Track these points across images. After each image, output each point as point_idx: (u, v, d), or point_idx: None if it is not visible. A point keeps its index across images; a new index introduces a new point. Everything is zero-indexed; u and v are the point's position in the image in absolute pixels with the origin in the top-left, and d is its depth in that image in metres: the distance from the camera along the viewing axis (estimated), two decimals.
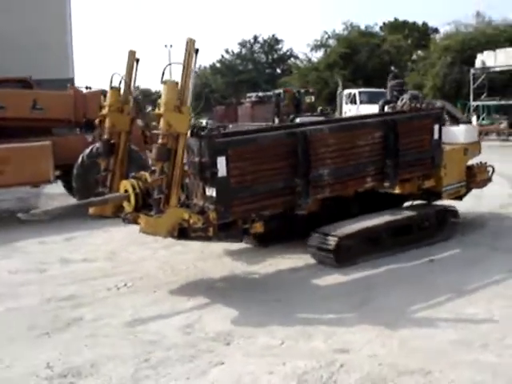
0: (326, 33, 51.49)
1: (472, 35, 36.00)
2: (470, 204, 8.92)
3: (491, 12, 38.32)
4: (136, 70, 7.11)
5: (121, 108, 6.77)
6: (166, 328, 4.89)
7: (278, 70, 61.65)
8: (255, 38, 60.01)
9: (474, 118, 27.94)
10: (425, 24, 66.82)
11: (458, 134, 8.46)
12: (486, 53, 29.66)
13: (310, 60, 51.58)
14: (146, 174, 5.85)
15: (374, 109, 25.92)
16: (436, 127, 7.69)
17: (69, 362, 4.27)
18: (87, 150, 9.81)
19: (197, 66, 6.02)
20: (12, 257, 7.59)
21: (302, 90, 20.73)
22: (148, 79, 76.89)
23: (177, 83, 5.50)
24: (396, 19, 63.03)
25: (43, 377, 4.06)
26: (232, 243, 6.93)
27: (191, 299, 5.60)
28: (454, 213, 7.90)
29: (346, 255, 6.47)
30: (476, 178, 8.42)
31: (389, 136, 7.12)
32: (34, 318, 5.24)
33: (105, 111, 6.80)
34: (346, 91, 29.88)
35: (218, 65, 60.70)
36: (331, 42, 52.09)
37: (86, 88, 11.20)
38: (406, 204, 8.15)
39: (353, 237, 6.56)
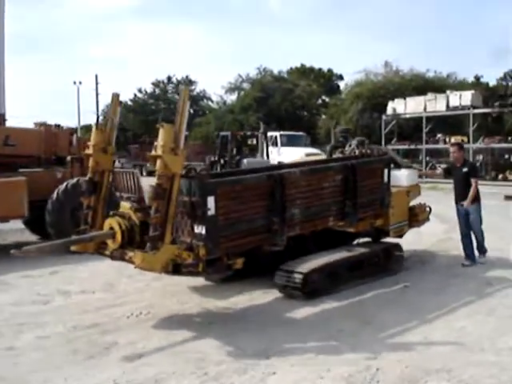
0: (240, 76, 53.41)
1: (381, 83, 38.90)
2: (412, 240, 9.86)
3: (398, 62, 41.77)
4: (120, 112, 7.42)
5: (105, 148, 6.74)
6: (204, 347, 5.36)
7: (191, 111, 62.53)
8: (169, 78, 60.93)
9: None
10: (330, 70, 70.96)
11: (401, 177, 9.11)
12: (396, 100, 32.23)
13: (224, 102, 53.06)
14: (130, 212, 6.15)
15: (293, 151, 27.63)
16: (386, 171, 8.35)
17: (133, 379, 4.65)
18: (62, 186, 10.02)
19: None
20: (5, 290, 7.66)
21: (248, 133, 21.64)
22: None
23: (172, 127, 5.72)
24: (303, 65, 66.49)
25: None
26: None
27: (212, 323, 6.10)
28: (398, 248, 8.61)
29: (311, 289, 6.92)
30: (418, 217, 9.18)
31: (349, 179, 7.67)
32: (70, 344, 5.51)
33: (89, 150, 6.77)
34: (269, 134, 31.15)
35: (130, 103, 60.73)
36: (245, 85, 54.04)
37: (56, 126, 11.38)
38: (356, 241, 8.80)
39: (316, 272, 7.01)
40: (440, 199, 14.26)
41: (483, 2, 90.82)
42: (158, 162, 5.62)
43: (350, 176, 7.70)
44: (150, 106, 60.86)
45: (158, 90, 60.86)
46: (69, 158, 10.79)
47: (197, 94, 62.39)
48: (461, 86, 39.81)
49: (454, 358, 5.03)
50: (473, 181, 8.82)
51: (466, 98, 28.34)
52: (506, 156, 31.02)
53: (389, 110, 32.75)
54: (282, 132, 30.91)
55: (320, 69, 69.04)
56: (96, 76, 61.36)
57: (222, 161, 17.22)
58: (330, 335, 5.68)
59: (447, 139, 29.23)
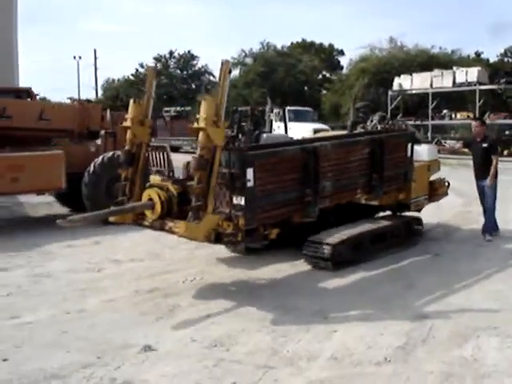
0: (244, 51, 53.24)
1: (386, 59, 38.99)
2: (433, 213, 10.24)
3: (403, 38, 42.11)
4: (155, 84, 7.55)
5: (142, 121, 6.79)
6: (263, 308, 5.76)
7: (193, 86, 62.47)
8: (171, 53, 60.52)
9: None
10: (331, 45, 70.74)
11: (422, 152, 9.27)
12: (403, 76, 32.40)
13: None
14: (168, 184, 6.34)
15: (301, 126, 27.85)
16: (409, 146, 8.57)
17: (207, 336, 5.05)
18: (99, 159, 10.35)
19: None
20: (54, 259, 8.03)
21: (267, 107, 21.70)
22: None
23: (215, 99, 5.85)
24: (304, 40, 66.25)
25: (199, 346, 4.83)
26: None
27: (262, 288, 6.52)
28: (419, 221, 8.92)
29: (340, 260, 7.19)
30: (437, 191, 9.45)
31: (376, 152, 7.92)
32: (136, 306, 5.90)
33: (127, 123, 6.80)
34: (276, 109, 31.36)
35: (132, 78, 60.54)
36: (248, 60, 53.94)
37: (87, 101, 11.66)
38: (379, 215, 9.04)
39: (344, 243, 7.25)
40: (450, 174, 14.56)
41: None
42: (201, 134, 5.74)
43: (377, 150, 7.96)
44: None
45: (159, 65, 60.49)
46: (102, 132, 11.08)
47: (199, 69, 62.22)
48: (466, 62, 39.90)
49: (497, 317, 5.46)
50: (493, 157, 8.96)
51: (472, 74, 28.57)
52: (507, 132, 31.39)
53: (395, 86, 32.95)
54: (289, 107, 31.07)
55: (321, 44, 68.93)
56: (95, 51, 61.22)
57: (240, 136, 17.44)
58: (378, 298, 6.09)
59: (453, 115, 29.52)
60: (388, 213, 9.09)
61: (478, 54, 52.50)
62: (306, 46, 62.12)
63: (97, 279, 6.99)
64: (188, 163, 6.80)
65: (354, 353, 4.67)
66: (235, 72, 54.54)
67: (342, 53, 71.73)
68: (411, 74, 32.22)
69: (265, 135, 16.87)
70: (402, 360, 4.54)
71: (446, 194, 9.84)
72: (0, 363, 4.50)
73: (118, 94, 56.18)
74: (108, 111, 11.84)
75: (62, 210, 12.02)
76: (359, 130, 10.78)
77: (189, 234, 5.86)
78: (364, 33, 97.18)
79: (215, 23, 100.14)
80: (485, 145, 9.07)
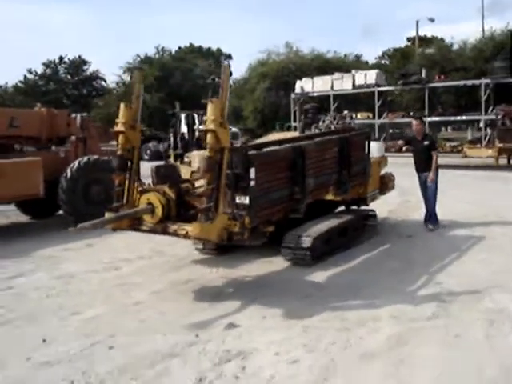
0: (138, 56, 52.94)
1: (284, 63, 40.75)
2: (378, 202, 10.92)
3: (299, 43, 44.33)
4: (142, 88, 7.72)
5: (133, 125, 6.66)
6: (304, 284, 6.53)
7: (85, 91, 61.10)
8: (61, 58, 58.86)
9: None
10: (219, 50, 72.08)
11: (372, 149, 9.71)
12: (304, 79, 34.14)
13: (124, 83, 52.38)
14: (164, 187, 6.39)
15: None
16: (367, 143, 9.30)
17: (275, 313, 5.72)
18: (75, 164, 10.52)
19: None
20: (64, 262, 8.21)
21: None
22: None
23: (221, 101, 5.91)
24: (192, 44, 66.95)
25: (275, 320, 5.50)
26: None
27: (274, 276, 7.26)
28: (373, 215, 9.62)
29: (318, 254, 7.55)
30: (387, 185, 10.22)
31: (344, 150, 8.47)
32: (186, 295, 6.41)
33: (119, 128, 6.61)
34: (184, 113, 31.87)
35: (20, 85, 58.10)
36: (144, 65, 53.58)
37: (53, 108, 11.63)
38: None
39: (320, 238, 7.56)
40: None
41: None
42: (210, 135, 5.80)
43: (345, 148, 8.53)
44: (40, 87, 58.47)
45: (49, 71, 58.58)
46: (73, 137, 11.19)
47: (90, 75, 60.90)
48: (351, 64, 42.72)
49: (495, 279, 6.62)
50: (434, 153, 9.69)
51: (370, 76, 30.85)
52: (397, 130, 34.31)
53: (297, 89, 34.57)
54: (200, 111, 31.62)
55: (209, 48, 70.07)
56: None
57: (178, 139, 17.76)
58: (391, 271, 7.06)
59: (353, 115, 31.63)
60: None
61: (357, 57, 56.13)
62: (194, 51, 62.88)
63: (123, 276, 7.34)
64: (157, 168, 7.18)
65: (406, 312, 5.57)
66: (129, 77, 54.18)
67: (230, 57, 73.73)
68: (312, 78, 33.99)
69: None
70: (446, 315, 5.50)
71: (393, 187, 10.77)
72: (109, 351, 4.89)
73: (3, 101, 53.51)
74: (78, 116, 11.90)
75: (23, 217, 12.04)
76: (313, 130, 11.68)
77: (203, 234, 5.94)
78: (248, 37, 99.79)
79: (103, 29, 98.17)
80: (426, 142, 9.81)
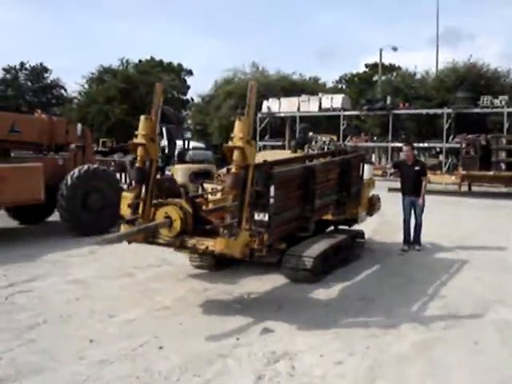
0: (103, 67, 52.65)
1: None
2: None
3: (265, 63, 45.24)
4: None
5: (153, 137, 6.63)
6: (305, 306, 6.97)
7: (44, 99, 60.21)
8: (22, 64, 57.89)
9: None
10: (180, 65, 72.36)
11: (364, 171, 10.00)
12: (271, 100, 34.95)
13: (87, 93, 51.98)
14: (181, 201, 6.43)
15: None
16: (361, 165, 9.71)
17: (309, 318, 6.14)
18: (75, 172, 10.71)
19: None
20: (72, 267, 8.45)
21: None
22: None
23: (248, 119, 5.95)
24: (152, 58, 66.98)
25: (306, 326, 5.91)
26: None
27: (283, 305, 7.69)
28: (362, 235, 9.91)
29: (317, 272, 7.76)
30: (375, 206, 10.43)
31: (345, 172, 8.78)
32: (211, 303, 6.76)
33: (140, 140, 6.57)
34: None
35: None
36: (106, 77, 53.36)
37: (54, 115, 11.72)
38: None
39: (319, 257, 7.78)
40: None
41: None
42: (237, 152, 5.83)
43: (346, 169, 8.85)
44: None
45: (9, 76, 57.46)
46: (73, 145, 11.34)
47: (50, 82, 60.07)
48: (318, 87, 43.92)
49: (496, 292, 7.27)
50: (424, 179, 10.21)
51: (336, 100, 31.89)
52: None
53: (264, 109, 35.32)
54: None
55: (170, 63, 70.28)
56: None
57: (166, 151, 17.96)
58: (394, 286, 7.59)
59: (319, 137, 32.50)
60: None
61: (316, 80, 57.45)
62: (154, 65, 62.89)
63: (141, 283, 7.60)
64: (160, 181, 7.09)
65: (421, 322, 6.08)
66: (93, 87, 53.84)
67: (190, 73, 74.14)
68: (279, 98, 34.76)
69: (191, 152, 17.68)
70: (459, 325, 6.03)
71: (379, 208, 10.88)
72: (160, 351, 5.18)
73: None
74: (79, 125, 12.03)
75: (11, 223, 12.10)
76: (307, 149, 12.19)
77: (228, 250, 5.88)
78: (207, 54, 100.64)
79: (63, 35, 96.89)
80: (417, 168, 10.29)
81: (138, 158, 6.69)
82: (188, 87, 70.09)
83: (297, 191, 7.44)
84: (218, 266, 8.18)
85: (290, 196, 7.27)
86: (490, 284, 7.78)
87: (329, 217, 8.88)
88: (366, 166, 11.14)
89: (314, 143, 11.95)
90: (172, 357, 5.03)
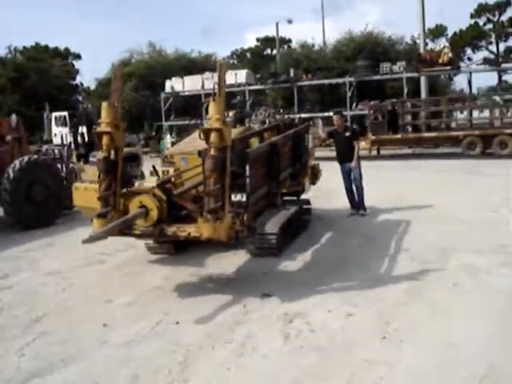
0: None
1: (148, 63, 40.79)
2: None
3: (162, 43, 44.34)
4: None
5: (117, 124, 6.36)
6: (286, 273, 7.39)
7: None
8: None
9: (168, 136, 32.63)
10: (67, 49, 69.45)
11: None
12: (174, 79, 34.43)
13: None
14: (154, 189, 6.31)
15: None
16: (307, 136, 10.01)
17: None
18: (16, 164, 10.40)
19: None
20: (41, 260, 8.33)
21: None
22: None
23: (222, 100, 5.75)
24: (38, 43, 63.80)
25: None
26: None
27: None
28: (308, 203, 9.98)
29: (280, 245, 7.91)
30: (317, 175, 10.62)
31: (296, 143, 8.96)
32: (199, 278, 6.98)
33: (104, 128, 6.28)
34: (56, 114, 31.07)
35: None
36: None
37: None
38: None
39: (280, 231, 7.87)
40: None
41: None
42: (214, 134, 5.67)
43: (297, 141, 9.04)
44: None
45: None
46: (8, 137, 10.91)
47: None
48: (212, 64, 43.92)
49: (450, 241, 8.02)
50: (355, 144, 10.47)
51: (241, 76, 32.09)
52: None
53: (167, 88, 34.78)
54: (59, 113, 31.02)
55: (56, 47, 67.26)
56: None
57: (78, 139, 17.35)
58: (359, 245, 8.19)
59: (225, 113, 32.75)
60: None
61: (208, 56, 57.17)
62: (41, 51, 59.98)
63: (119, 268, 7.63)
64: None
65: (399, 270, 6.69)
66: None
67: (79, 57, 71.35)
68: (182, 77, 34.48)
69: None
70: (434, 270, 6.67)
71: (320, 176, 10.90)
72: (179, 326, 5.38)
73: None
74: (13, 116, 11.52)
75: None
76: (248, 124, 12.34)
77: (215, 234, 5.78)
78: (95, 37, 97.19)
79: None
80: (347, 134, 10.57)
81: (104, 147, 6.37)
82: (77, 71, 67.64)
83: (264, 168, 7.49)
84: (177, 250, 8.13)
85: (259, 173, 7.28)
86: (441, 235, 8.50)
87: (288, 189, 9.14)
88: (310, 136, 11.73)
89: (254, 117, 12.10)
90: (194, 329, 5.26)
